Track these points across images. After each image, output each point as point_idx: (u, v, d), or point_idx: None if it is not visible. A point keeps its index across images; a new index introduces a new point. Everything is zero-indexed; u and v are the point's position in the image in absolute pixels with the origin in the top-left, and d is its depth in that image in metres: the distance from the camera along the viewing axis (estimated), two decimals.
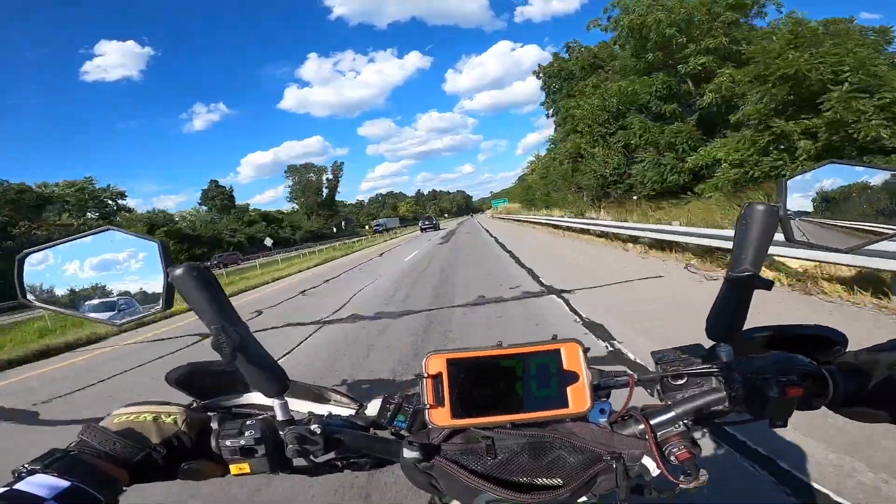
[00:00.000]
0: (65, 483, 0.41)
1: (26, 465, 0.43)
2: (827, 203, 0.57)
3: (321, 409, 0.61)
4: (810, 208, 0.56)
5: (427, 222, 44.13)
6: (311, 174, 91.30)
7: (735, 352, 0.53)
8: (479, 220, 56.87)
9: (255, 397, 0.62)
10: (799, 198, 0.56)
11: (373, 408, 0.58)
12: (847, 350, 0.55)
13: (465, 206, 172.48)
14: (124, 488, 0.48)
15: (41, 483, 0.41)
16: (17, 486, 0.40)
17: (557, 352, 0.51)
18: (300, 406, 0.62)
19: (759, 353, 0.54)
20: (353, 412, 0.61)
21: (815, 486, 1.81)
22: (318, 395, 0.64)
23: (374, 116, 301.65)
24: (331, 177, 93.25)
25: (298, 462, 0.53)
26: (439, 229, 40.86)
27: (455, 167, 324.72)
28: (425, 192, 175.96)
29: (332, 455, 0.55)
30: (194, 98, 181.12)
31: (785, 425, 0.50)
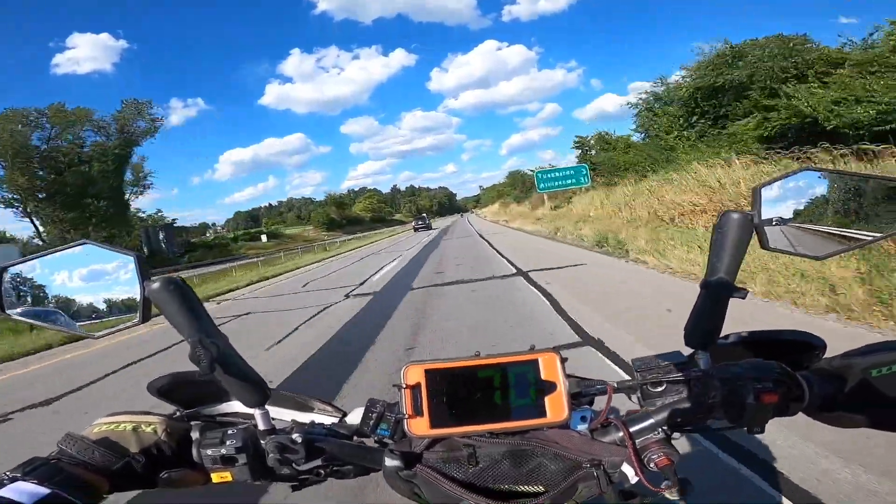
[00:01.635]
0: (45, 490, 0.42)
1: (7, 473, 0.43)
2: (803, 209, 0.58)
3: (304, 418, 0.61)
4: (788, 214, 0.57)
5: (420, 222, 48.35)
6: (55, 124, 34.44)
7: (713, 358, 0.54)
8: (472, 223, 39.99)
9: (238, 405, 0.61)
10: (775, 204, 0.56)
11: (356, 416, 0.58)
12: (824, 355, 0.55)
13: (447, 204, 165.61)
14: (104, 496, 0.48)
15: (22, 490, 0.42)
16: None
17: (535, 362, 0.51)
18: (283, 414, 0.61)
19: (737, 359, 0.55)
20: (336, 420, 0.61)
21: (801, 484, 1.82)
22: (301, 404, 0.64)
23: (357, 114, 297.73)
24: (114, 135, 36.91)
25: (281, 470, 0.53)
26: (431, 229, 43.12)
27: (438, 166, 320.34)
28: (402, 189, 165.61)
29: (314, 463, 0.54)
30: (171, 93, 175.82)
31: (762, 431, 0.50)
